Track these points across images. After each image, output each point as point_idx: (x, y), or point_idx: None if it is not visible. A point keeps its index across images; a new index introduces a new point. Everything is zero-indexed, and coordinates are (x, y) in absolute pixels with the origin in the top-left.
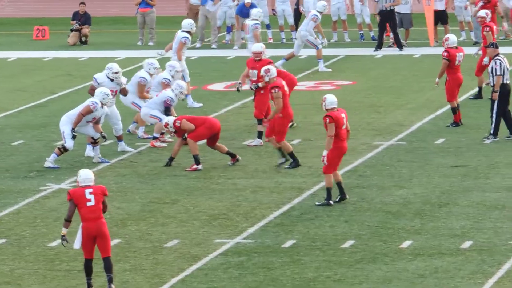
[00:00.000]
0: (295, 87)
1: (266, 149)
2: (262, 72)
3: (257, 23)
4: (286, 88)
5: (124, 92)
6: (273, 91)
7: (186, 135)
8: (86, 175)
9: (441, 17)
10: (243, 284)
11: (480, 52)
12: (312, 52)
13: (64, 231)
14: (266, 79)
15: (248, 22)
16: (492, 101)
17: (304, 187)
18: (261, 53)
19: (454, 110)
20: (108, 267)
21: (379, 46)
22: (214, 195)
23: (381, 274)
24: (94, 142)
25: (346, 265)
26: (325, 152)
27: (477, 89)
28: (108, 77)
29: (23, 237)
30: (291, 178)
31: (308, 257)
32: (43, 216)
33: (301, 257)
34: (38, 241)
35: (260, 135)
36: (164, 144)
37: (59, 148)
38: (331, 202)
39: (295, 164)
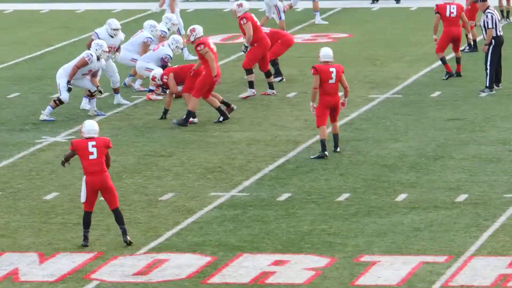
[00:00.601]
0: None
1: (262, 102)
2: (188, 31)
3: None
4: (213, 46)
5: (119, 50)
6: (198, 48)
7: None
8: (90, 126)
9: None
10: (238, 237)
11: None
12: (309, 4)
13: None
14: (192, 38)
15: None
16: (486, 53)
17: (300, 140)
18: (234, 11)
19: (443, 60)
20: (119, 219)
21: None
22: (209, 148)
23: (376, 227)
24: (90, 95)
25: (341, 218)
26: (311, 103)
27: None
28: (108, 33)
29: (18, 190)
30: (286, 131)
31: (303, 211)
32: (38, 169)
33: (296, 210)
34: (34, 194)
35: (251, 84)
36: (160, 97)
37: (54, 100)
38: (325, 153)
39: (224, 117)
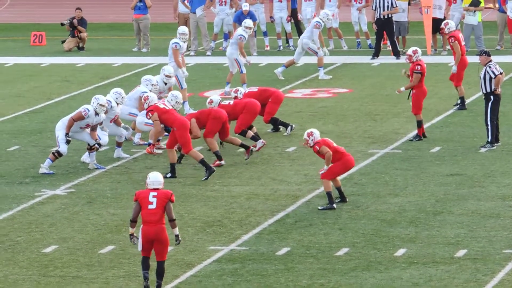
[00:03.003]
0: (291, 95)
1: (262, 156)
2: (142, 99)
3: (241, 35)
4: (163, 106)
5: (118, 122)
6: (147, 117)
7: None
8: (155, 178)
9: (439, 26)
10: None
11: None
12: (309, 59)
13: (131, 230)
14: (145, 106)
15: (239, 29)
16: (485, 109)
17: (299, 194)
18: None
19: (420, 124)
20: (160, 273)
21: (376, 54)
22: (209, 202)
23: (375, 282)
24: (90, 149)
25: (340, 273)
26: (326, 167)
27: (458, 100)
28: (116, 102)
29: (17, 243)
30: (286, 185)
31: (302, 265)
32: (37, 222)
33: (295, 265)
34: (33, 247)
35: (254, 138)
36: (160, 151)
37: (53, 153)
38: (334, 205)
39: (210, 172)
